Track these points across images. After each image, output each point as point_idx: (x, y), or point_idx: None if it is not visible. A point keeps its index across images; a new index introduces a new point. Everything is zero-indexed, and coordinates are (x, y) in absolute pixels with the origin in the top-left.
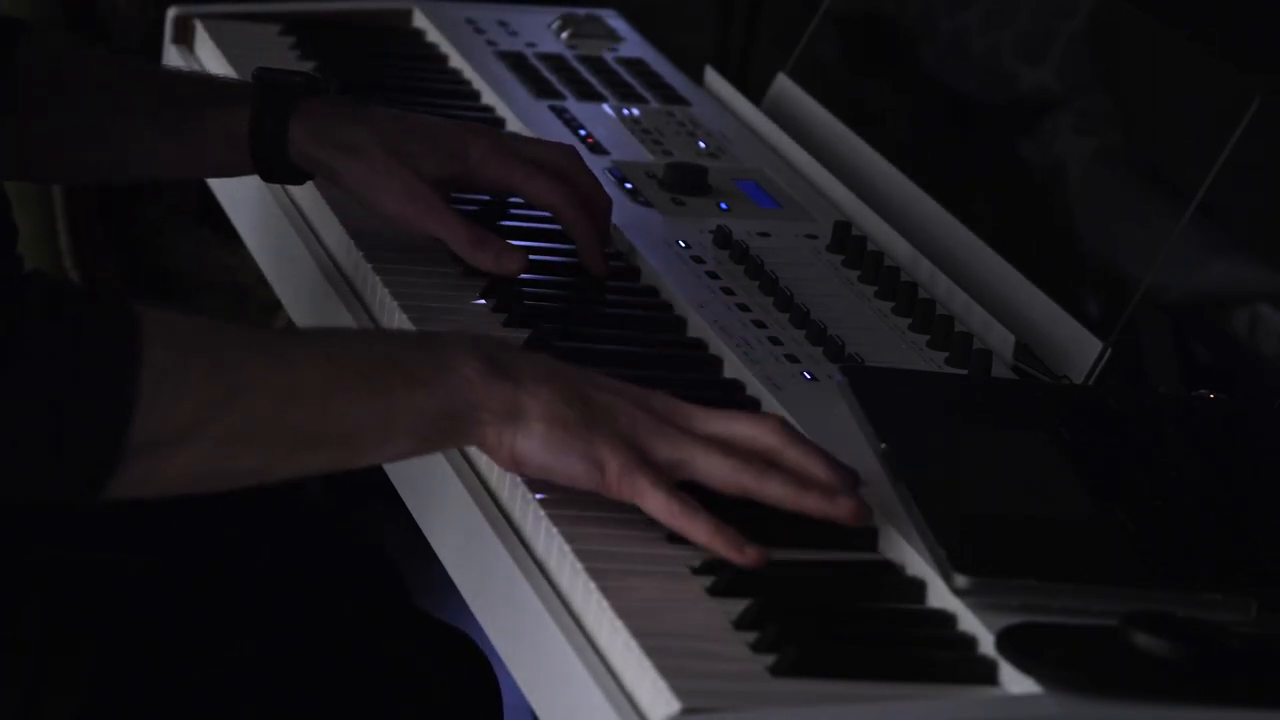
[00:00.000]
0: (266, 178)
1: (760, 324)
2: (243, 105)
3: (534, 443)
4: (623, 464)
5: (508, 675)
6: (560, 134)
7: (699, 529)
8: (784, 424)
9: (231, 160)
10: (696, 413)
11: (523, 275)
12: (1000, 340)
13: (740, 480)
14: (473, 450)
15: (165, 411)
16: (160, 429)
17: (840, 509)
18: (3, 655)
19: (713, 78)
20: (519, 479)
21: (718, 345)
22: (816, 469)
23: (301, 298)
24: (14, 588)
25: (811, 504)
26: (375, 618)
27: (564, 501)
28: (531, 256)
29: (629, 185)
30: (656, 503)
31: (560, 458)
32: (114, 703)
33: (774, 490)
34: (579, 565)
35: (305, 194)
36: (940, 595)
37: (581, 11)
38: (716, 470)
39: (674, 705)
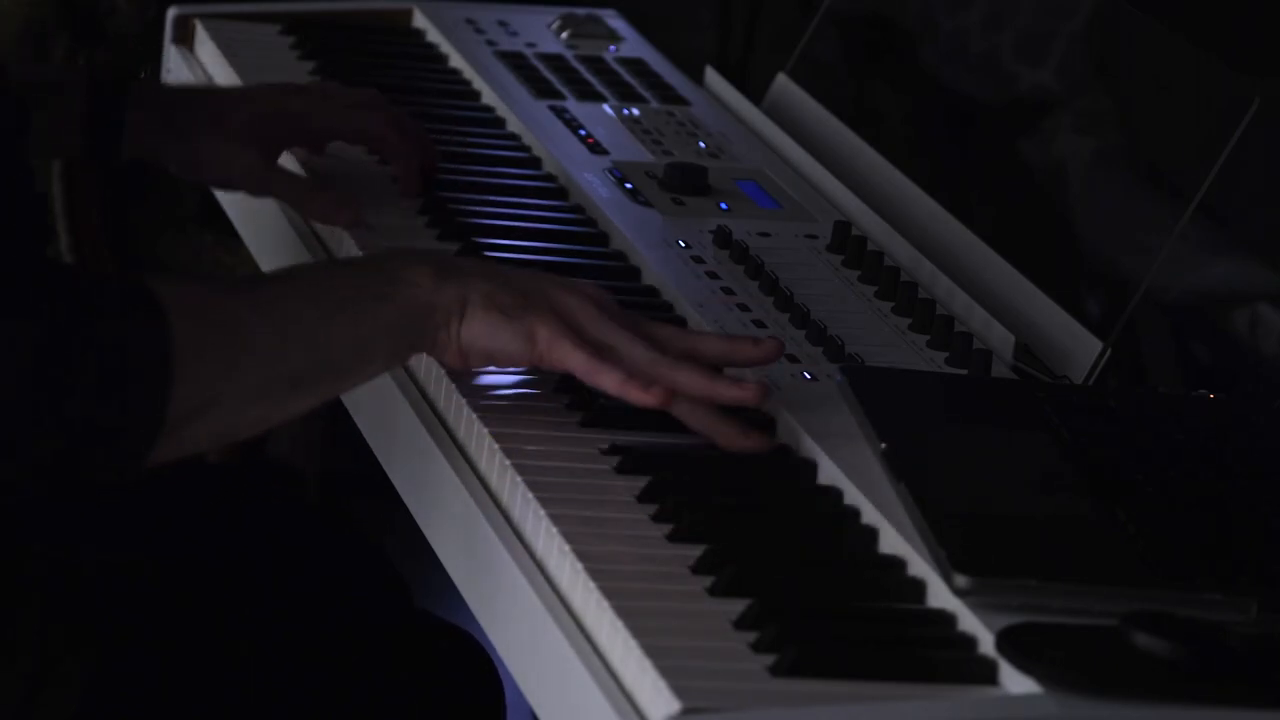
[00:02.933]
0: (84, 159)
1: (760, 324)
2: (72, 95)
3: (475, 327)
4: (551, 333)
5: (509, 675)
6: (560, 134)
7: (610, 378)
8: (715, 337)
9: (59, 146)
10: (628, 312)
11: None
12: (1000, 340)
13: (657, 368)
14: (472, 450)
15: (195, 384)
16: (191, 400)
17: (746, 390)
18: (2, 655)
19: (713, 78)
20: (519, 479)
21: None
22: (740, 353)
23: None
24: (14, 588)
25: (720, 389)
26: (377, 618)
27: (564, 502)
28: (531, 257)
29: (629, 185)
30: (577, 360)
31: (497, 336)
32: (113, 703)
33: (686, 379)
34: (579, 565)
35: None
36: (940, 595)
37: (581, 11)
38: (635, 354)
39: (674, 705)
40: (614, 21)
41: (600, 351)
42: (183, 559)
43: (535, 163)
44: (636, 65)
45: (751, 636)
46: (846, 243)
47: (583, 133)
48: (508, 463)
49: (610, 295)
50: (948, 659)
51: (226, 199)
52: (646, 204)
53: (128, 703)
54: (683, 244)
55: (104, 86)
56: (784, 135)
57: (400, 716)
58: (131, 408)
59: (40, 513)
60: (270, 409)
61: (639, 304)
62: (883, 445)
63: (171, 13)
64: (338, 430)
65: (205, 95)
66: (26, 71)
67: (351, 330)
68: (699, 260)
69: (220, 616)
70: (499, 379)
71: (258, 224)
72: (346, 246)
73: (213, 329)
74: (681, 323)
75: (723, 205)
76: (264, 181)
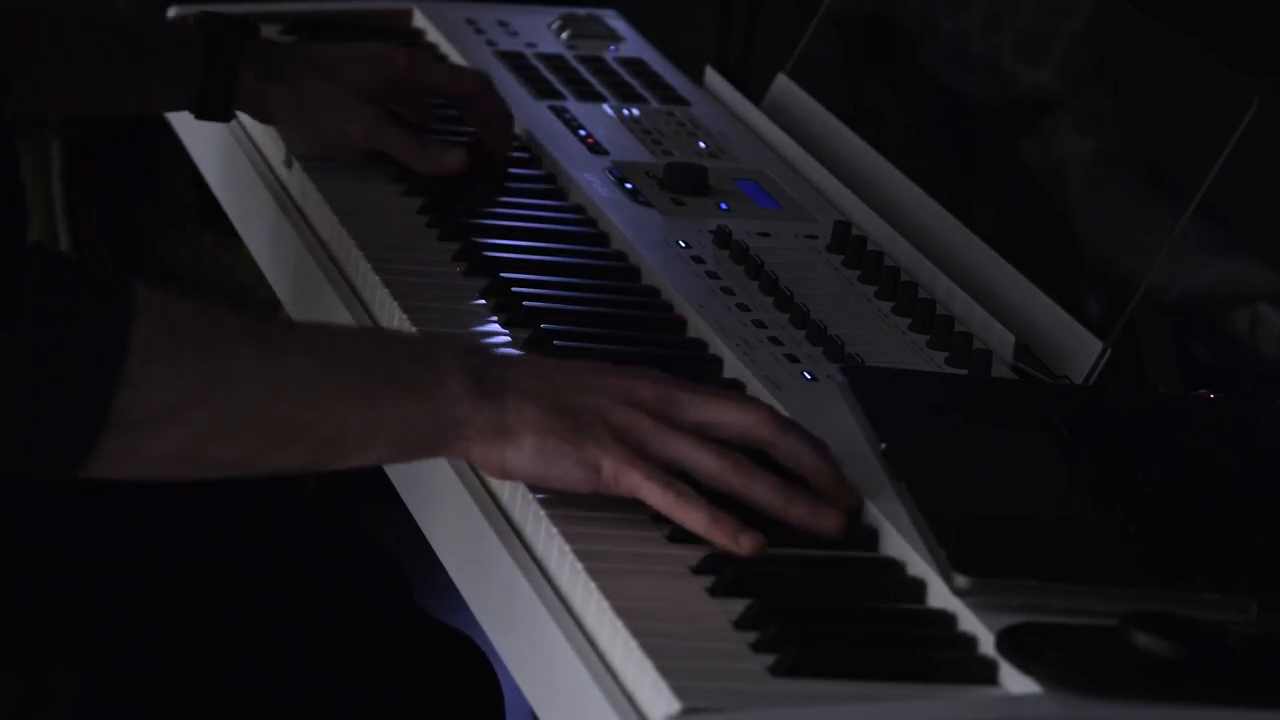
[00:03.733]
0: (199, 116)
1: (760, 324)
2: (192, 46)
3: (524, 455)
4: (616, 463)
5: (508, 675)
6: (560, 134)
7: (697, 518)
8: (774, 414)
9: (170, 99)
10: (685, 400)
11: (522, 276)
12: (1000, 340)
13: (729, 480)
14: None
15: (151, 391)
16: (145, 408)
17: (825, 522)
18: (2, 655)
19: (713, 78)
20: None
21: (718, 345)
22: (808, 462)
23: (301, 297)
24: (12, 588)
25: (795, 514)
26: (376, 619)
27: (564, 501)
28: (531, 257)
29: (629, 185)
30: (654, 494)
31: (553, 466)
32: (112, 703)
33: (761, 494)
34: (579, 565)
35: (306, 194)
36: (940, 595)
37: (581, 11)
38: (707, 468)
39: (674, 705)
40: (614, 21)
41: (670, 477)
42: (183, 559)
43: (535, 163)
44: (636, 65)
45: (751, 636)
46: (846, 243)
47: (583, 133)
48: None
49: (665, 381)
50: (948, 659)
51: (227, 199)
52: (646, 204)
53: (127, 703)
54: (683, 244)
55: (220, 41)
56: (784, 135)
57: (398, 717)
58: (71, 392)
59: (40, 512)
60: (249, 454)
61: (639, 304)
62: (883, 445)
63: (171, 13)
64: None
65: (313, 51)
66: (140, 24)
67: (359, 410)
68: (699, 260)
69: (219, 617)
70: None
71: (258, 224)
72: (347, 248)
73: (188, 340)
74: (681, 325)
75: (723, 205)
76: (375, 134)
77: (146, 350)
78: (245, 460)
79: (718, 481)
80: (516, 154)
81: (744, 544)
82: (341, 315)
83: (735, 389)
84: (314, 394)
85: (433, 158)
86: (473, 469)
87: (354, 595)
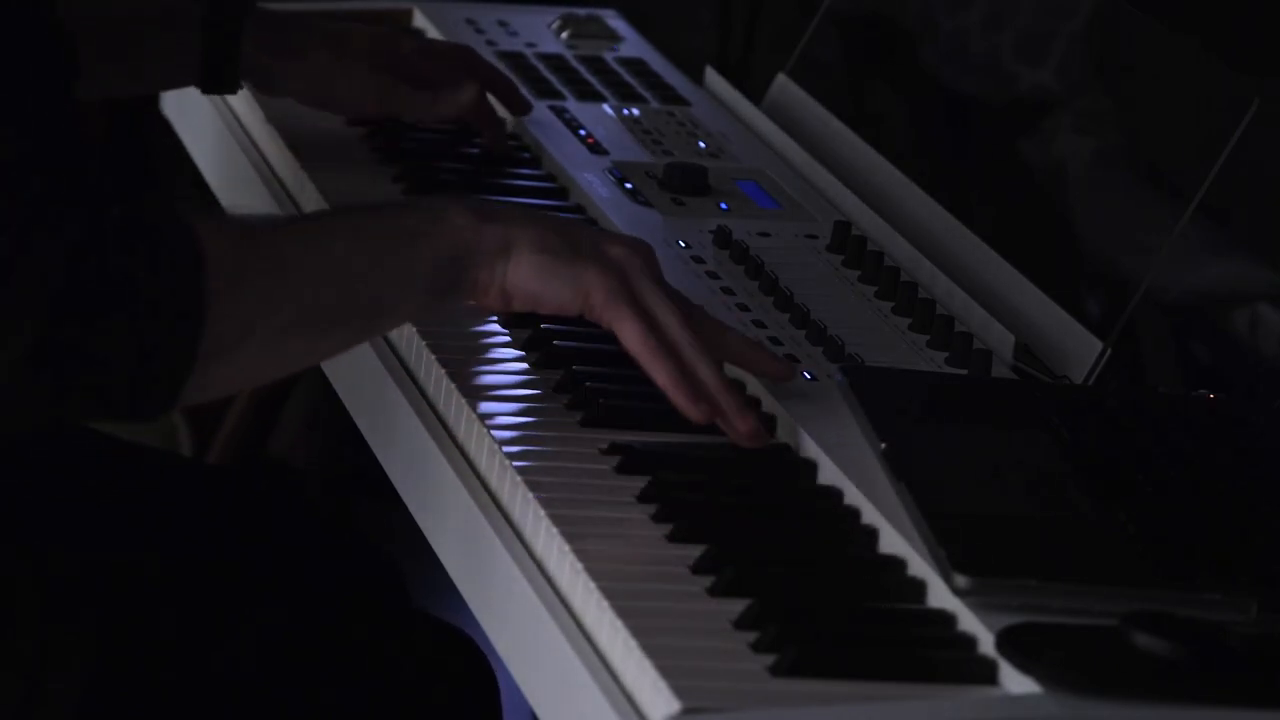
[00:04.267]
0: (205, 90)
1: (760, 324)
2: (189, 24)
3: (523, 270)
4: (609, 290)
5: (508, 675)
6: (560, 134)
7: (665, 371)
8: (743, 338)
9: (174, 77)
10: (662, 283)
11: None
12: (1000, 340)
13: (683, 350)
14: (472, 450)
15: (227, 323)
16: (222, 337)
17: (743, 423)
18: (2, 654)
19: (713, 78)
20: (519, 479)
21: None
22: (760, 361)
23: None
24: (13, 586)
25: (729, 403)
26: (373, 617)
27: (564, 502)
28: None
29: (629, 185)
30: (633, 333)
31: (549, 282)
32: (112, 702)
33: (705, 373)
34: (579, 565)
35: (307, 193)
36: (940, 595)
37: (581, 11)
38: (673, 326)
39: (674, 705)
40: (614, 21)
41: (653, 325)
42: (182, 558)
43: (535, 163)
44: (636, 65)
45: (751, 636)
46: (846, 243)
47: (583, 133)
48: (508, 463)
49: (653, 251)
50: (948, 659)
51: (227, 199)
52: (646, 204)
53: (127, 702)
54: (683, 244)
55: (222, 14)
56: (784, 135)
57: (395, 714)
58: (166, 331)
59: (41, 512)
60: (307, 346)
61: None
62: (883, 445)
63: None
64: (338, 430)
65: (323, 20)
66: (139, 5)
67: (391, 269)
68: (699, 260)
69: (218, 616)
70: (500, 379)
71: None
72: None
73: (250, 260)
74: None
75: (723, 205)
76: (386, 102)
77: (221, 278)
78: (313, 349)
79: (675, 339)
80: (517, 153)
81: (700, 411)
82: None
83: (736, 389)
84: (356, 270)
85: (448, 103)
86: (473, 469)
87: (352, 593)
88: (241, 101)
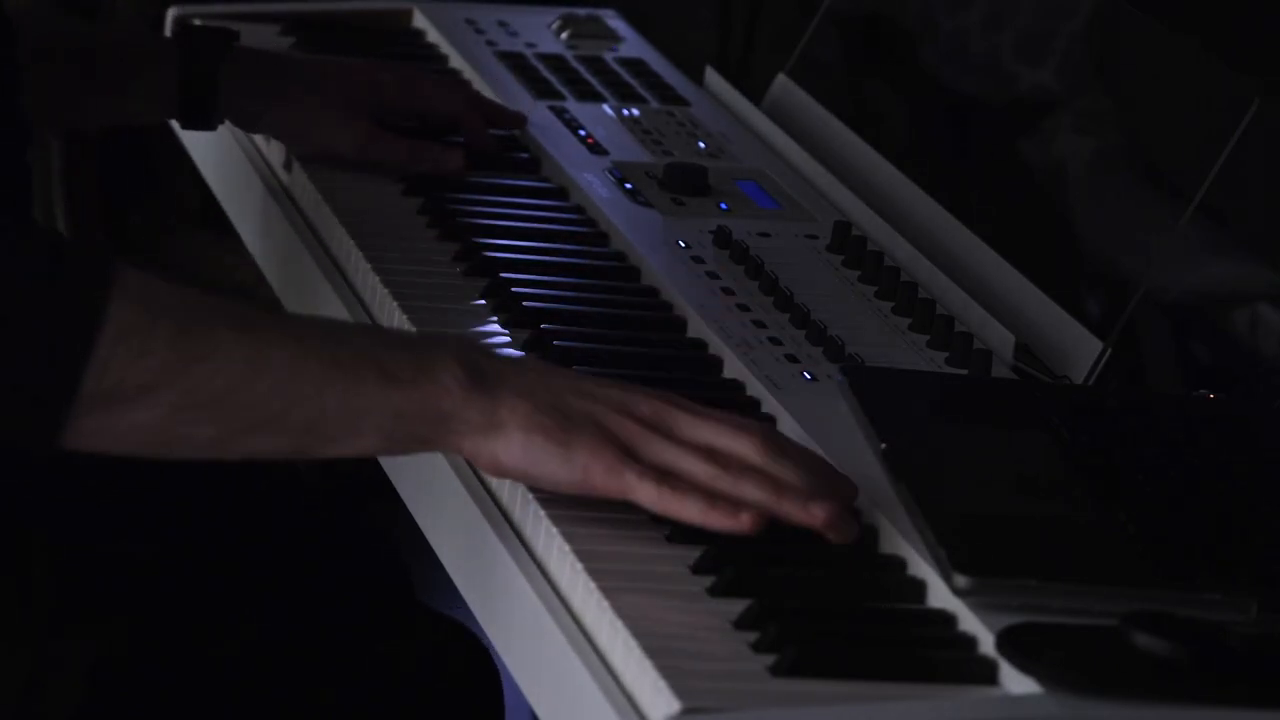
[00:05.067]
0: (185, 126)
1: (760, 324)
2: (169, 61)
3: (514, 450)
4: (607, 464)
5: (508, 675)
6: (560, 134)
7: (692, 507)
8: (768, 436)
9: (157, 112)
10: (681, 418)
11: (522, 276)
12: (1000, 340)
13: (718, 483)
14: None
15: (124, 367)
16: (117, 384)
17: (813, 516)
18: (6, 642)
19: (713, 78)
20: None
21: (718, 345)
22: (793, 477)
23: (302, 297)
24: (18, 575)
25: (786, 509)
26: (378, 611)
27: (564, 501)
28: (531, 257)
29: (629, 185)
30: (646, 492)
31: (540, 465)
32: (117, 689)
33: (750, 492)
34: (579, 565)
35: (306, 193)
36: (940, 595)
37: (581, 11)
38: (695, 471)
39: (674, 705)
40: (614, 21)
41: (663, 476)
42: (186, 549)
43: (535, 163)
44: (636, 65)
45: (751, 636)
46: (846, 243)
47: (583, 133)
48: None
49: (665, 398)
50: (948, 659)
51: (226, 199)
52: (646, 204)
53: (131, 688)
54: (683, 244)
55: (199, 53)
56: (784, 135)
57: (399, 709)
58: (46, 365)
59: (48, 501)
60: (224, 436)
61: (639, 304)
62: (883, 445)
63: (171, 12)
64: None
65: (302, 62)
66: (120, 39)
67: (342, 397)
68: (699, 260)
69: (221, 606)
70: None
71: (257, 224)
72: (347, 249)
73: (163, 318)
74: (681, 325)
75: (723, 205)
76: (367, 149)
77: (119, 328)
78: (221, 441)
79: (706, 484)
80: (517, 154)
81: (744, 520)
82: (341, 315)
83: (736, 388)
84: (292, 380)
85: (429, 161)
86: (472, 469)
87: (355, 587)
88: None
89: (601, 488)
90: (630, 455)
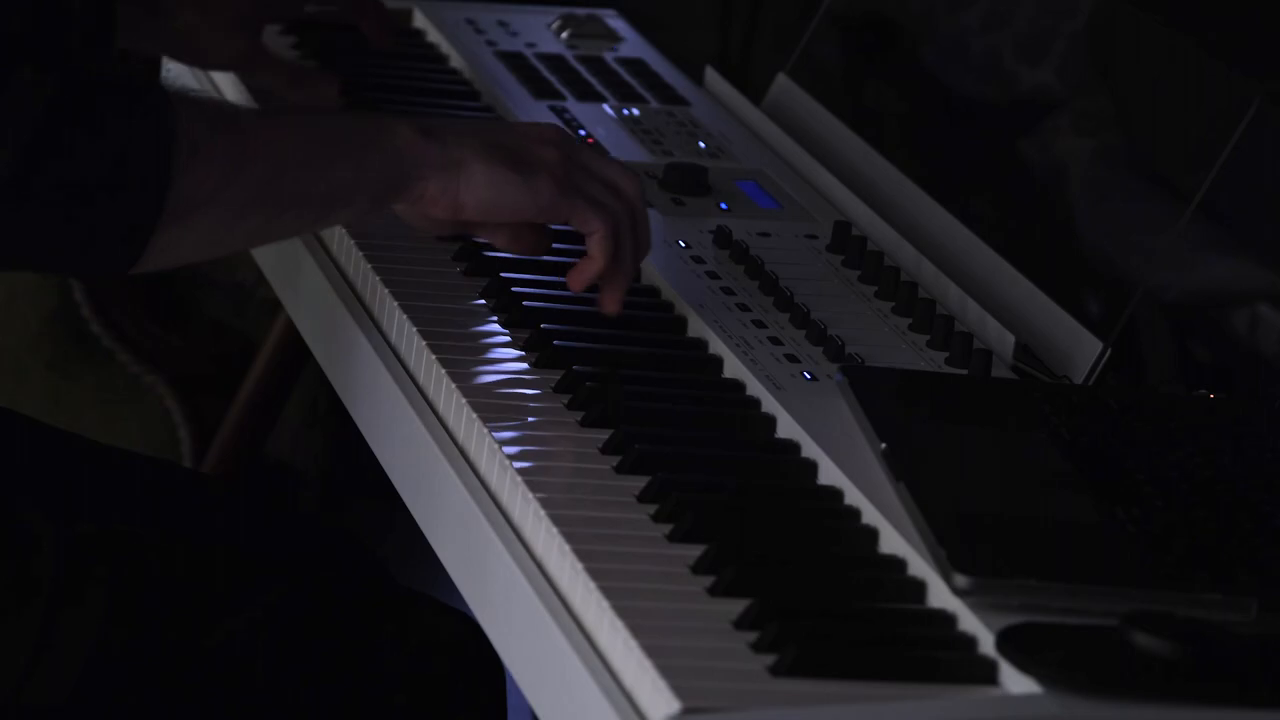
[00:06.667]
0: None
1: (760, 324)
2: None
3: (476, 183)
4: (559, 191)
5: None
6: None
7: (599, 266)
8: (642, 186)
9: None
10: (587, 154)
11: (522, 276)
12: (1000, 340)
13: (620, 222)
14: (472, 450)
15: (194, 181)
16: (189, 197)
17: (618, 305)
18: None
19: (713, 78)
20: (519, 479)
21: (718, 345)
22: (645, 250)
23: (302, 297)
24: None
25: (623, 284)
26: (378, 599)
27: (564, 502)
28: (529, 257)
29: None
30: (589, 217)
31: (503, 193)
32: (112, 671)
33: (627, 257)
34: (579, 565)
35: None
36: (940, 595)
37: (581, 11)
38: (618, 218)
39: (674, 705)
40: (614, 21)
41: (597, 203)
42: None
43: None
44: (636, 65)
45: (751, 636)
46: (846, 243)
47: (583, 133)
48: (507, 463)
49: (566, 132)
50: (948, 659)
51: None
52: (646, 204)
53: (131, 673)
54: (683, 244)
55: None
56: (784, 135)
57: (401, 697)
58: (134, 179)
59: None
60: (260, 225)
61: (639, 304)
62: (883, 445)
63: None
64: (338, 430)
65: None
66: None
67: (343, 166)
68: (699, 260)
69: (225, 595)
70: (500, 379)
71: None
72: (348, 249)
73: (216, 134)
74: (681, 325)
75: (723, 205)
76: (252, 63)
77: (189, 143)
78: (262, 230)
79: (612, 225)
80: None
81: (615, 307)
82: (342, 315)
83: (736, 388)
84: (312, 160)
85: (306, 89)
86: (473, 469)
87: (359, 577)
88: (240, 96)
89: (551, 211)
90: (575, 187)
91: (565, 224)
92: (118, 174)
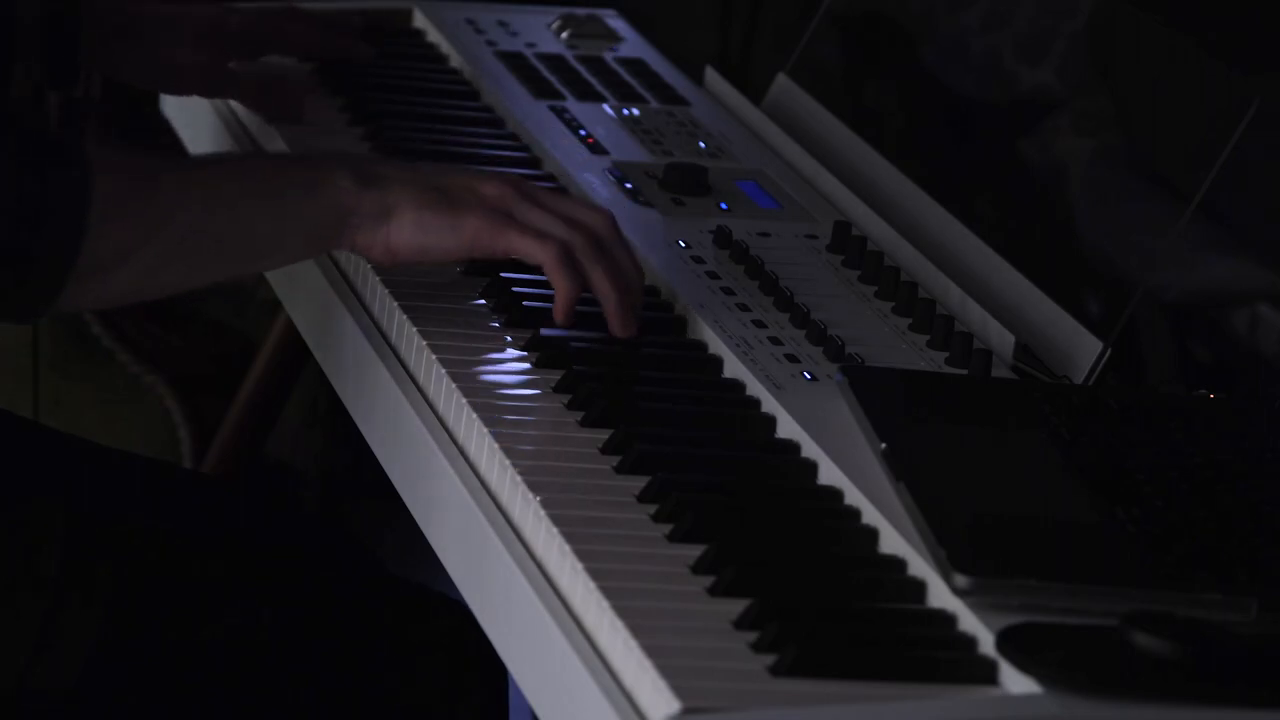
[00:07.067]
0: (50, 86)
1: (760, 324)
2: (30, 24)
3: (405, 229)
4: (490, 226)
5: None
6: (560, 134)
7: (548, 254)
8: (615, 221)
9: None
10: (541, 192)
11: (522, 276)
12: (1000, 340)
13: (580, 252)
14: (472, 451)
15: (108, 239)
16: (103, 254)
17: (623, 326)
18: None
19: (713, 78)
20: (519, 479)
21: (718, 345)
22: (632, 273)
23: (302, 298)
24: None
25: (613, 304)
26: (377, 598)
27: (564, 502)
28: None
29: (629, 185)
30: (530, 246)
31: (430, 235)
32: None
33: (599, 278)
34: (579, 565)
35: None
36: (940, 595)
37: (581, 11)
38: (563, 235)
39: (674, 705)
40: (614, 21)
41: (540, 234)
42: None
43: (535, 163)
44: (636, 65)
45: (751, 636)
46: (846, 243)
47: (583, 133)
48: (508, 462)
49: (519, 178)
50: (948, 659)
51: None
52: (646, 204)
53: (135, 665)
54: (683, 244)
55: (55, 11)
56: (784, 135)
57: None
58: (45, 242)
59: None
60: (191, 271)
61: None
62: (883, 445)
63: None
64: (338, 430)
65: (152, 3)
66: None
67: (270, 214)
68: (699, 260)
69: (227, 587)
70: (500, 379)
71: None
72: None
73: (134, 192)
74: (681, 325)
75: (723, 205)
76: (219, 85)
77: (103, 206)
78: (189, 277)
79: (568, 251)
80: (516, 154)
81: (571, 291)
82: (342, 315)
83: (736, 388)
84: (236, 208)
85: (275, 104)
86: (473, 469)
87: (359, 573)
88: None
89: (488, 246)
90: (509, 217)
91: (508, 257)
92: (27, 236)
